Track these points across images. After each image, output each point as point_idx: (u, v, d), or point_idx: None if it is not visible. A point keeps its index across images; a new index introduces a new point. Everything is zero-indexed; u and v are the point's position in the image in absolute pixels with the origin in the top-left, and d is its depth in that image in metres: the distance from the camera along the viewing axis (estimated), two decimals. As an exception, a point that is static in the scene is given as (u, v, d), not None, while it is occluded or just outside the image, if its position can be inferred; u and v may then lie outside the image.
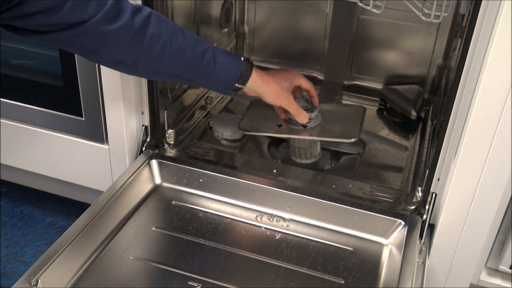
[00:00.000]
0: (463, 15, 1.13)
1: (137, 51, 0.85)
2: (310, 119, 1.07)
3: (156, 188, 1.11)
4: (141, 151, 1.14)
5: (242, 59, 0.95)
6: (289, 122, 1.09)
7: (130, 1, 0.84)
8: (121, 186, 1.03)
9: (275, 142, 1.25)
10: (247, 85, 0.96)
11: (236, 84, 0.95)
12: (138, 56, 0.86)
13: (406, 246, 0.94)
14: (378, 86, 1.46)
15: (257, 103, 1.16)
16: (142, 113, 1.13)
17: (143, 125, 1.14)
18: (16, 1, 0.71)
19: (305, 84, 1.07)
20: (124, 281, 0.90)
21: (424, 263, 0.94)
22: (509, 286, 1.04)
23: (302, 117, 1.05)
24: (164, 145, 1.17)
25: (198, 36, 0.93)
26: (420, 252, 0.96)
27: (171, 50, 0.87)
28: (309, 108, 1.08)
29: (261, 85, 0.98)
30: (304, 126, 1.08)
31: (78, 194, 1.36)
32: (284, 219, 1.05)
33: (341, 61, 1.46)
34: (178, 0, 1.16)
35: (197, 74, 0.92)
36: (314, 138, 1.09)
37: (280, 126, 1.10)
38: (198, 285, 0.89)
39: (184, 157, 1.15)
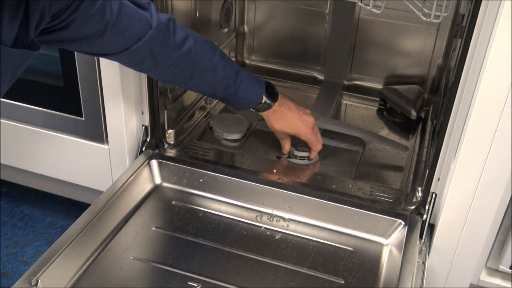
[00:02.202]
0: (463, 15, 1.13)
1: (178, 71, 0.94)
2: (306, 157, 1.18)
3: (156, 188, 1.11)
4: (141, 151, 1.14)
5: (263, 91, 1.05)
6: (289, 156, 1.19)
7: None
8: (121, 186, 1.03)
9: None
10: (260, 112, 1.08)
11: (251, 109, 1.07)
12: (176, 77, 0.95)
13: (406, 246, 0.94)
14: (378, 86, 1.46)
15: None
16: (142, 113, 1.13)
17: (143, 125, 1.14)
18: (59, 26, 0.73)
19: (309, 140, 1.15)
20: (124, 281, 0.90)
21: (424, 263, 0.94)
22: (509, 286, 1.04)
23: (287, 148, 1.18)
24: (164, 145, 1.17)
25: (229, 58, 1.02)
26: (420, 252, 0.96)
27: (212, 75, 0.97)
28: (305, 148, 1.18)
29: (269, 118, 1.11)
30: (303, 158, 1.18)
31: (78, 194, 1.36)
32: (284, 219, 1.05)
33: (341, 61, 1.46)
34: (178, 0, 1.16)
35: (214, 96, 1.04)
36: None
37: (279, 158, 1.19)
38: (198, 285, 0.89)
39: (184, 157, 1.15)
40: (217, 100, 1.40)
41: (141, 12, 0.84)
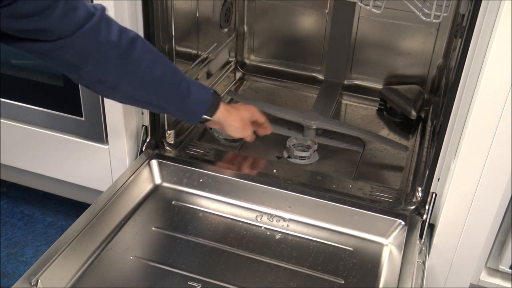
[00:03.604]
0: (463, 15, 1.13)
1: (120, 73, 0.84)
2: (306, 157, 1.18)
3: (156, 188, 1.11)
4: (141, 151, 1.14)
5: (212, 91, 0.99)
6: (289, 156, 1.19)
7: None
8: (121, 186, 1.03)
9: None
10: (214, 117, 1.00)
11: (204, 116, 0.98)
12: (120, 78, 0.85)
13: (406, 246, 0.94)
14: (378, 86, 1.46)
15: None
16: (142, 113, 1.13)
17: (143, 125, 1.14)
18: (8, 1, 0.69)
19: (261, 118, 1.12)
20: (124, 281, 0.90)
21: (424, 263, 0.94)
22: (509, 286, 1.04)
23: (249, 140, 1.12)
24: (164, 145, 1.17)
25: (175, 66, 0.94)
26: (420, 252, 0.96)
27: (151, 77, 0.88)
28: (305, 148, 1.19)
29: (226, 117, 1.02)
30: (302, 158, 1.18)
31: (78, 194, 1.36)
32: (284, 219, 1.05)
33: (341, 61, 1.46)
34: (178, 0, 1.16)
35: (171, 103, 0.94)
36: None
37: (279, 158, 1.18)
38: (198, 285, 0.89)
39: (184, 157, 1.15)
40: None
41: None
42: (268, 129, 1.15)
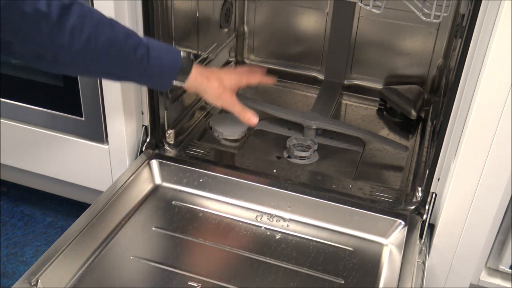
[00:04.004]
0: (463, 15, 1.13)
1: (57, 44, 0.77)
2: (306, 157, 1.17)
3: (156, 188, 1.11)
4: (141, 151, 1.14)
5: (182, 54, 0.91)
6: (289, 156, 1.19)
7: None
8: (121, 186, 1.03)
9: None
10: (187, 81, 0.92)
11: (175, 82, 0.91)
12: (58, 50, 0.78)
13: (406, 246, 0.94)
14: (378, 86, 1.46)
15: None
16: (142, 113, 1.13)
17: (143, 125, 1.14)
18: None
19: (254, 79, 1.04)
20: (124, 281, 0.90)
21: (424, 263, 0.94)
22: (509, 286, 1.04)
23: (247, 117, 1.00)
24: (164, 145, 1.17)
25: (131, 30, 0.86)
26: (420, 252, 0.96)
27: (96, 45, 0.80)
28: (305, 148, 1.18)
29: (201, 83, 0.94)
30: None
31: (78, 194, 1.36)
32: (284, 219, 1.05)
33: (341, 61, 1.46)
34: (178, 0, 1.16)
35: (129, 71, 0.86)
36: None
37: (279, 158, 1.18)
38: (198, 285, 0.89)
39: (184, 157, 1.15)
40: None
41: None
42: (265, 80, 1.05)
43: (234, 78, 1.00)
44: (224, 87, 0.97)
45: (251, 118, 1.00)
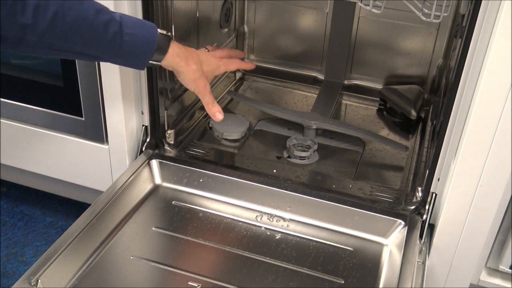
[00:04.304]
0: (463, 15, 1.13)
1: (19, 24, 0.72)
2: (306, 157, 1.17)
3: (156, 188, 1.11)
4: (141, 151, 1.14)
5: (159, 30, 0.85)
6: (289, 156, 1.18)
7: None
8: (121, 186, 1.03)
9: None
10: (165, 59, 0.88)
11: (151, 61, 0.86)
12: (21, 31, 0.73)
13: (406, 246, 0.94)
14: (378, 86, 1.46)
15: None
16: (142, 113, 1.13)
17: (143, 125, 1.14)
18: None
19: (232, 66, 1.01)
20: (124, 281, 0.90)
21: (424, 263, 0.94)
22: (509, 286, 1.04)
23: (213, 111, 0.98)
24: (164, 145, 1.17)
25: (102, 6, 0.80)
26: (420, 252, 0.96)
27: (63, 22, 0.75)
28: (305, 148, 1.18)
29: (179, 63, 0.90)
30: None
31: (78, 194, 1.36)
32: (284, 219, 1.05)
33: (341, 61, 1.46)
34: (178, 0, 1.16)
35: (101, 50, 0.81)
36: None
37: (279, 158, 1.18)
38: (198, 285, 0.89)
39: (184, 157, 1.15)
40: (217, 100, 1.40)
41: None
42: (243, 65, 1.02)
43: (213, 64, 0.97)
44: (201, 73, 0.94)
45: (216, 114, 0.98)
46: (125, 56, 0.83)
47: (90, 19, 0.77)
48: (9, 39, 0.74)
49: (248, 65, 1.06)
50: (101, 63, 1.05)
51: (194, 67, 0.92)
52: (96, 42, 0.79)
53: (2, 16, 0.71)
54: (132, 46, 0.82)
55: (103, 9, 0.80)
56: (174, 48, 0.88)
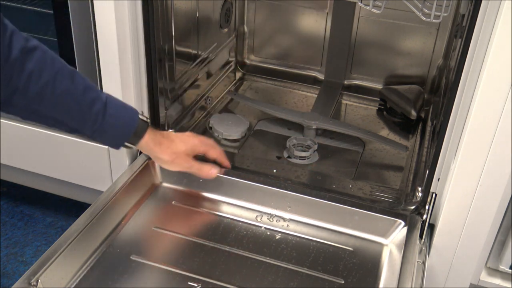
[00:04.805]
0: (463, 15, 1.13)
1: (12, 86, 0.76)
2: (306, 157, 1.17)
3: (156, 188, 1.11)
4: (141, 151, 1.14)
5: (138, 115, 0.90)
6: (289, 156, 1.18)
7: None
8: (121, 186, 1.03)
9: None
10: (137, 146, 0.92)
11: (126, 143, 0.90)
12: (13, 92, 0.77)
13: (406, 246, 0.94)
14: (378, 86, 1.46)
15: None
16: (142, 113, 1.12)
17: (143, 125, 1.14)
18: None
19: (212, 153, 1.02)
20: (124, 281, 0.90)
21: (424, 263, 0.94)
22: (509, 286, 1.04)
23: (205, 171, 1.02)
24: (164, 145, 1.16)
25: (92, 84, 0.86)
26: (420, 252, 0.96)
27: (53, 94, 0.79)
28: (305, 148, 1.18)
29: (152, 149, 0.93)
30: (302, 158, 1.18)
31: (78, 194, 1.36)
32: (284, 219, 1.05)
33: (341, 61, 1.46)
34: (178, 0, 1.16)
35: (82, 124, 0.84)
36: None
37: (279, 158, 1.18)
38: (198, 285, 0.89)
39: (184, 157, 1.15)
40: (217, 100, 1.41)
41: None
42: (225, 163, 1.05)
43: (190, 144, 0.99)
44: (177, 153, 0.97)
45: (211, 171, 1.02)
46: (103, 134, 0.86)
47: (78, 94, 0.82)
48: None
49: (226, 163, 1.06)
50: (101, 63, 1.05)
51: (168, 152, 0.95)
52: (79, 117, 0.83)
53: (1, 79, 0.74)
54: (112, 126, 0.86)
55: (92, 87, 0.84)
56: (150, 134, 0.91)
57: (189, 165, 0.99)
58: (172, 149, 0.96)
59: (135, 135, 0.90)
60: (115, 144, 0.90)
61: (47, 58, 0.79)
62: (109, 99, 0.86)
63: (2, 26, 0.73)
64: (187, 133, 1.02)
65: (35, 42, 0.78)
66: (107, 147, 1.16)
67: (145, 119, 0.91)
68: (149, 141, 0.92)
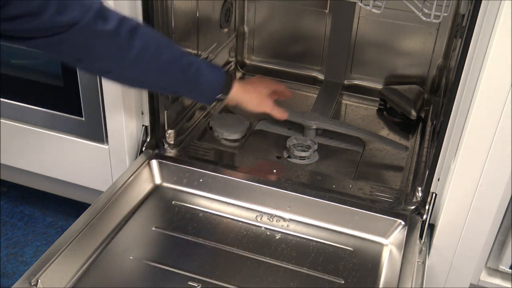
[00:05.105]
0: (463, 15, 1.13)
1: (123, 62, 0.85)
2: (306, 157, 1.18)
3: (156, 188, 1.11)
4: (141, 151, 1.14)
5: (223, 71, 1.00)
6: (289, 156, 1.18)
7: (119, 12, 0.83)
8: (121, 186, 1.03)
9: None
10: (229, 96, 1.00)
11: (218, 96, 0.99)
12: (124, 67, 0.86)
13: (406, 246, 0.94)
14: (378, 86, 1.46)
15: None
16: (142, 113, 1.13)
17: (143, 125, 1.14)
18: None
19: (277, 86, 1.13)
20: (124, 281, 0.90)
21: (424, 263, 0.94)
22: (509, 286, 1.04)
23: (281, 112, 1.12)
24: (164, 145, 1.17)
25: (182, 48, 0.95)
26: (420, 252, 0.96)
27: (158, 64, 0.88)
28: (305, 148, 1.19)
29: (242, 95, 1.03)
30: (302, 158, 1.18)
31: (78, 194, 1.36)
32: (284, 219, 1.05)
33: (341, 61, 1.46)
34: (178, 0, 1.16)
35: (182, 86, 0.95)
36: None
37: (279, 158, 1.18)
38: (198, 285, 0.89)
39: (184, 157, 1.15)
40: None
41: None
42: (287, 94, 1.16)
43: (267, 85, 1.11)
44: (262, 95, 1.08)
45: (285, 113, 1.13)
46: (199, 92, 0.97)
47: (178, 60, 0.91)
48: (112, 73, 0.88)
49: (286, 95, 1.18)
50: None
51: (255, 94, 1.07)
52: (179, 80, 0.94)
53: (111, 55, 0.84)
54: (206, 84, 0.96)
55: (184, 52, 0.95)
56: (236, 86, 1.01)
57: (271, 107, 1.09)
58: (258, 93, 1.07)
59: (226, 87, 0.99)
60: (209, 100, 1.00)
61: (148, 33, 0.87)
62: (199, 60, 0.97)
63: (107, 17, 0.80)
64: (263, 77, 1.16)
65: (132, 20, 0.85)
66: (107, 146, 1.16)
67: (228, 72, 1.03)
68: (238, 90, 1.01)
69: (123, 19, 0.82)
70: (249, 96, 1.05)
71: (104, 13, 0.80)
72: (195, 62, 0.94)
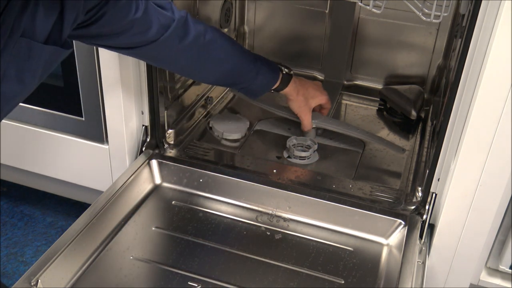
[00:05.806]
0: (463, 15, 1.13)
1: (196, 66, 0.98)
2: (306, 157, 1.18)
3: (156, 188, 1.11)
4: (141, 151, 1.14)
5: (283, 73, 1.10)
6: (289, 156, 1.19)
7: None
8: (121, 186, 1.03)
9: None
10: (281, 92, 1.13)
11: (272, 90, 1.11)
12: (196, 70, 1.00)
13: (406, 246, 0.94)
14: (378, 86, 1.46)
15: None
16: (142, 113, 1.13)
17: (143, 125, 1.14)
18: (89, 21, 0.76)
19: (327, 105, 1.22)
20: (124, 281, 0.90)
21: (424, 263, 0.94)
22: (509, 286, 1.04)
23: (307, 127, 1.20)
24: (164, 145, 1.17)
25: (247, 53, 1.05)
26: (420, 252, 0.96)
27: (226, 68, 1.01)
28: (305, 148, 1.19)
29: (291, 93, 1.14)
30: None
31: (78, 194, 1.36)
32: (284, 219, 1.05)
33: (341, 61, 1.46)
34: (178, 0, 1.16)
35: (238, 84, 1.06)
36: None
37: (279, 158, 1.19)
38: (198, 285, 0.89)
39: (184, 157, 1.15)
40: (217, 100, 1.41)
41: (163, 12, 0.88)
42: (325, 112, 1.24)
43: (317, 100, 1.19)
44: (306, 102, 1.17)
45: (311, 127, 1.22)
46: (250, 90, 1.08)
47: (241, 65, 1.03)
48: (184, 72, 1.07)
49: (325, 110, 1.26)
50: (101, 63, 1.05)
51: (301, 99, 1.16)
52: (238, 80, 1.05)
53: (186, 62, 0.97)
54: (257, 86, 1.07)
55: (249, 58, 1.04)
56: (292, 83, 1.13)
57: (305, 118, 1.19)
58: (306, 101, 1.17)
59: (282, 84, 1.11)
60: (255, 96, 1.11)
61: (223, 43, 0.98)
62: (259, 64, 1.05)
63: (187, 31, 0.91)
64: (320, 88, 1.21)
65: (211, 31, 0.96)
66: (107, 146, 1.16)
67: (287, 71, 1.12)
68: (291, 89, 1.13)
69: (200, 33, 0.92)
70: (297, 100, 1.15)
71: (182, 30, 0.89)
72: (256, 66, 1.04)
